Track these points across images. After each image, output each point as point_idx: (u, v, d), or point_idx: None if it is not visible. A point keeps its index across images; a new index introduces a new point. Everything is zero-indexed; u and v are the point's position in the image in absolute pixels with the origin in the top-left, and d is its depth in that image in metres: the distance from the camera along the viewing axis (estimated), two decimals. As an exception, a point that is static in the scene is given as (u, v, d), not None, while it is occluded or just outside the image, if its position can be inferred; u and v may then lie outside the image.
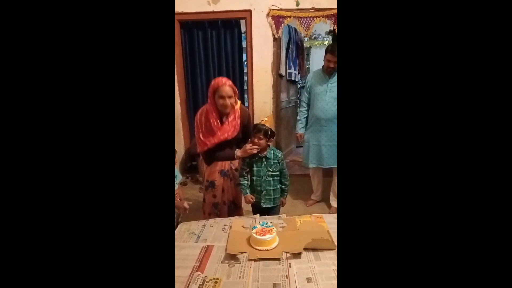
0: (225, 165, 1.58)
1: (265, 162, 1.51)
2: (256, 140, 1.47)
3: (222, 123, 1.48)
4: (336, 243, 1.05)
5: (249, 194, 1.55)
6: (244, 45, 2.81)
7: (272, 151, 1.53)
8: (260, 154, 1.51)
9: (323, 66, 1.99)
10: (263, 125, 1.48)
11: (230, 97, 1.42)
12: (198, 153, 1.69)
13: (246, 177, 1.55)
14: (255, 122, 2.67)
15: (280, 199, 1.60)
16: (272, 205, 1.56)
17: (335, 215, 1.37)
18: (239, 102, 1.52)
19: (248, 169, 1.55)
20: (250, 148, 1.46)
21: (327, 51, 1.93)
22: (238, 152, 1.50)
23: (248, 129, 1.57)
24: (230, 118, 1.49)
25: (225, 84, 1.40)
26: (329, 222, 1.24)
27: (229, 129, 1.48)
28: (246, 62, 2.77)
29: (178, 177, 2.02)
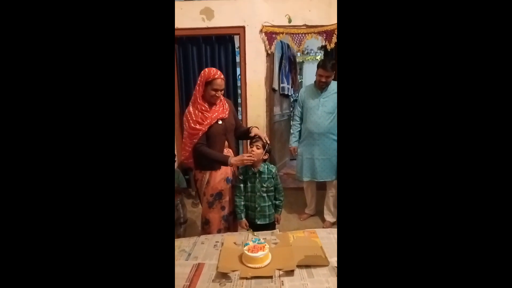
0: (228, 171, 1.55)
1: (259, 178, 1.50)
2: (254, 149, 1.46)
3: (211, 108, 1.48)
4: (329, 259, 1.04)
5: (244, 219, 1.52)
6: (238, 60, 2.85)
7: (266, 166, 1.52)
8: (253, 169, 1.50)
9: (315, 81, 2.03)
10: (261, 139, 1.48)
11: (222, 90, 1.45)
12: (191, 167, 1.65)
13: (242, 197, 1.53)
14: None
15: (275, 216, 1.57)
16: (267, 222, 1.53)
17: (329, 230, 1.35)
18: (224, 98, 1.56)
19: (242, 186, 1.52)
20: (247, 157, 1.42)
21: (318, 66, 1.98)
22: (232, 160, 1.44)
23: (236, 120, 1.59)
24: (218, 103, 1.50)
25: (219, 77, 1.42)
26: (323, 237, 1.22)
27: (219, 109, 1.48)
28: (239, 77, 2.81)
29: (182, 181, 2.00)
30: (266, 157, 1.51)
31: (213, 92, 1.43)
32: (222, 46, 2.78)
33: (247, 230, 1.48)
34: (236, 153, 1.66)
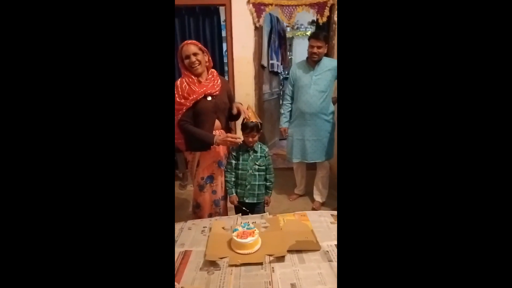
0: (221, 154, 1.48)
1: (252, 156, 1.47)
2: (250, 139, 1.42)
3: (199, 82, 1.39)
4: (320, 244, 1.01)
5: (234, 194, 1.50)
6: (224, 34, 2.67)
7: (259, 145, 1.50)
8: (247, 147, 1.46)
9: (307, 57, 1.92)
10: (252, 122, 1.41)
11: (195, 54, 1.34)
12: (177, 148, 1.56)
13: (232, 173, 1.50)
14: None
15: (265, 198, 1.55)
16: (255, 201, 1.51)
17: (319, 212, 1.33)
18: (214, 71, 1.45)
19: (233, 163, 1.49)
20: (231, 139, 1.34)
21: (310, 37, 1.87)
22: (218, 139, 1.36)
23: (230, 100, 1.50)
24: (208, 76, 1.41)
25: (186, 44, 1.35)
26: (314, 221, 1.19)
27: (208, 84, 1.39)
28: (226, 52, 2.65)
29: None
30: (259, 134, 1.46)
31: (187, 61, 1.34)
32: (207, 18, 2.58)
33: (236, 203, 1.47)
34: (230, 130, 1.59)
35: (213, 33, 2.65)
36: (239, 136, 1.38)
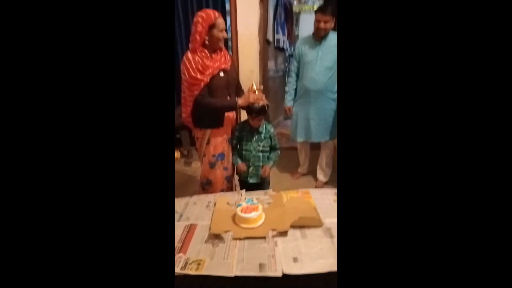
0: (230, 132, 1.47)
1: (257, 136, 1.46)
2: (256, 122, 1.39)
3: (211, 57, 1.34)
4: (322, 221, 1.03)
5: (240, 162, 1.48)
6: (227, 7, 2.56)
7: (264, 126, 1.47)
8: (251, 128, 1.44)
9: (313, 32, 1.84)
10: (258, 104, 1.34)
11: (222, 30, 1.30)
12: (182, 125, 1.54)
13: (236, 153, 1.50)
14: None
15: (264, 167, 1.49)
16: (259, 181, 1.52)
17: (322, 190, 1.34)
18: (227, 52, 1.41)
19: (237, 143, 1.48)
20: (254, 97, 1.32)
21: (317, 11, 1.78)
22: (239, 101, 1.34)
23: (238, 78, 1.48)
24: (219, 52, 1.37)
25: (220, 17, 1.28)
26: (316, 198, 1.21)
27: (220, 58, 1.35)
28: (230, 27, 2.55)
29: None
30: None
31: (220, 34, 1.29)
32: (210, -11, 2.47)
33: (245, 169, 1.47)
34: (236, 113, 1.56)
35: (216, 6, 2.54)
36: (260, 96, 1.35)
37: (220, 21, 1.28)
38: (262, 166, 1.50)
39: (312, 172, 2.28)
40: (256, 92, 1.36)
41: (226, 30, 1.36)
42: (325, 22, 1.73)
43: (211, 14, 1.26)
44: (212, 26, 1.26)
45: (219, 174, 1.49)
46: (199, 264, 0.86)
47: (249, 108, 1.37)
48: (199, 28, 1.26)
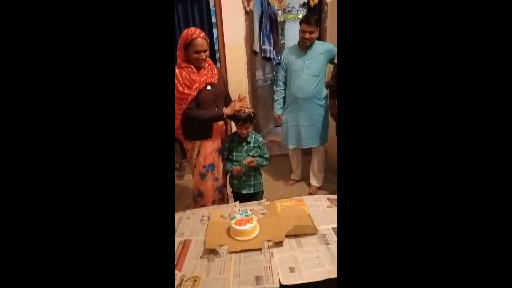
0: (219, 143, 1.48)
1: (246, 146, 1.47)
2: (244, 131, 1.41)
3: (198, 71, 1.35)
4: (317, 228, 1.03)
5: (233, 166, 1.47)
6: (214, 20, 2.60)
7: (253, 135, 1.49)
8: (240, 139, 1.45)
9: (298, 41, 1.89)
10: (244, 112, 1.38)
11: (205, 51, 1.31)
12: (181, 138, 1.54)
13: (227, 164, 1.50)
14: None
15: (250, 159, 1.45)
16: (252, 191, 1.52)
17: (316, 197, 1.35)
18: (209, 60, 1.41)
19: (227, 154, 1.49)
20: (239, 105, 1.36)
21: (301, 21, 1.82)
22: (226, 110, 1.37)
23: (226, 88, 1.49)
24: (206, 66, 1.38)
25: (198, 37, 1.28)
26: (310, 205, 1.21)
27: (207, 73, 1.36)
28: (217, 39, 2.58)
29: None
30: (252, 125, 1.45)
31: (196, 55, 1.30)
32: (196, 3, 2.50)
33: (239, 171, 1.45)
34: (225, 123, 1.58)
35: (203, 18, 2.57)
36: (246, 103, 1.38)
37: (198, 42, 1.28)
38: (256, 177, 1.50)
39: (305, 178, 2.29)
40: (240, 99, 1.41)
41: (210, 47, 1.38)
42: (310, 32, 1.77)
43: (188, 33, 1.29)
44: (187, 45, 1.29)
45: (209, 185, 1.49)
46: (195, 280, 0.84)
47: (236, 117, 1.40)
48: (178, 45, 1.31)
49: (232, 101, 1.49)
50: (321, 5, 2.38)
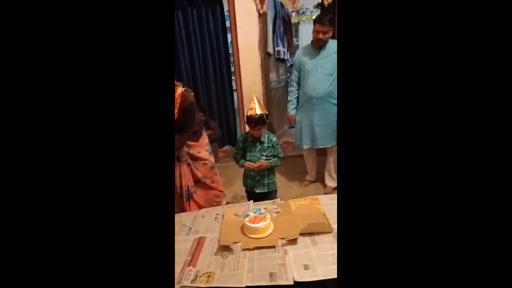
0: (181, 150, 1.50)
1: (260, 146, 1.47)
2: (256, 132, 1.42)
3: None
4: (332, 226, 1.01)
5: (245, 162, 1.47)
6: (228, 24, 2.65)
7: (266, 135, 1.49)
8: (253, 139, 1.47)
9: (312, 41, 1.88)
10: (256, 115, 1.39)
11: None
12: None
13: (239, 163, 1.51)
14: (245, 105, 2.59)
15: (261, 160, 1.45)
16: (265, 191, 1.52)
17: (331, 196, 1.33)
18: (180, 87, 1.41)
19: (241, 154, 1.50)
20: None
21: (315, 22, 1.81)
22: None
23: (190, 114, 1.45)
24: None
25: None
26: (325, 204, 1.19)
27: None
28: (231, 43, 2.63)
29: None
30: (265, 126, 1.46)
31: None
32: (210, 9, 2.56)
33: (251, 167, 1.45)
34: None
35: (217, 23, 2.63)
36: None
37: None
38: (269, 176, 1.51)
39: (320, 179, 2.26)
40: (256, 103, 1.42)
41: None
42: (324, 33, 1.77)
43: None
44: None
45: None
46: (209, 276, 0.86)
47: (247, 118, 1.41)
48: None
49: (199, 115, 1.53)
50: (334, 4, 2.36)
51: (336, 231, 0.99)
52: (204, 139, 1.61)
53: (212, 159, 1.62)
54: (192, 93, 1.46)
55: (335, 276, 0.79)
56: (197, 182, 1.59)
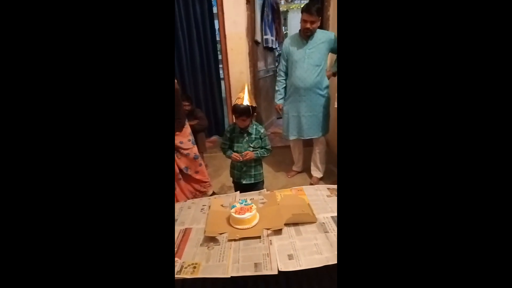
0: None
1: (247, 138, 1.47)
2: (242, 123, 1.40)
3: None
4: (316, 216, 1.04)
5: (233, 153, 1.45)
6: (215, 11, 2.57)
7: (254, 127, 1.48)
8: (241, 130, 1.45)
9: (299, 30, 1.86)
10: (242, 105, 1.36)
11: None
12: None
13: (226, 154, 1.50)
14: (232, 94, 2.56)
15: (248, 152, 1.44)
16: (252, 182, 1.52)
17: (315, 186, 1.35)
18: None
19: (228, 144, 1.49)
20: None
21: (302, 11, 1.79)
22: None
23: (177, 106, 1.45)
24: None
25: None
26: (310, 195, 1.21)
27: None
28: (218, 30, 2.56)
29: None
30: (253, 118, 1.44)
31: None
32: (196, -7, 2.47)
33: (238, 158, 1.44)
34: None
35: (204, 9, 2.55)
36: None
37: None
38: (256, 167, 1.51)
39: (306, 169, 2.29)
40: (246, 94, 1.39)
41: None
42: (312, 22, 1.74)
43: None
44: None
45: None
46: (194, 267, 0.86)
47: (234, 107, 1.40)
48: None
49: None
50: (323, -7, 2.33)
51: (320, 222, 1.01)
52: (187, 128, 1.58)
53: (195, 149, 1.60)
54: (176, 81, 1.42)
55: (319, 265, 0.81)
56: (180, 172, 1.57)
